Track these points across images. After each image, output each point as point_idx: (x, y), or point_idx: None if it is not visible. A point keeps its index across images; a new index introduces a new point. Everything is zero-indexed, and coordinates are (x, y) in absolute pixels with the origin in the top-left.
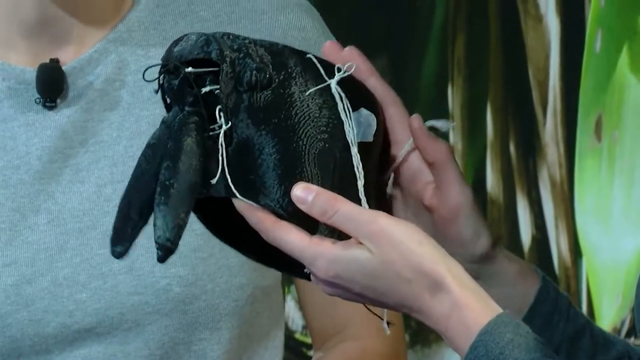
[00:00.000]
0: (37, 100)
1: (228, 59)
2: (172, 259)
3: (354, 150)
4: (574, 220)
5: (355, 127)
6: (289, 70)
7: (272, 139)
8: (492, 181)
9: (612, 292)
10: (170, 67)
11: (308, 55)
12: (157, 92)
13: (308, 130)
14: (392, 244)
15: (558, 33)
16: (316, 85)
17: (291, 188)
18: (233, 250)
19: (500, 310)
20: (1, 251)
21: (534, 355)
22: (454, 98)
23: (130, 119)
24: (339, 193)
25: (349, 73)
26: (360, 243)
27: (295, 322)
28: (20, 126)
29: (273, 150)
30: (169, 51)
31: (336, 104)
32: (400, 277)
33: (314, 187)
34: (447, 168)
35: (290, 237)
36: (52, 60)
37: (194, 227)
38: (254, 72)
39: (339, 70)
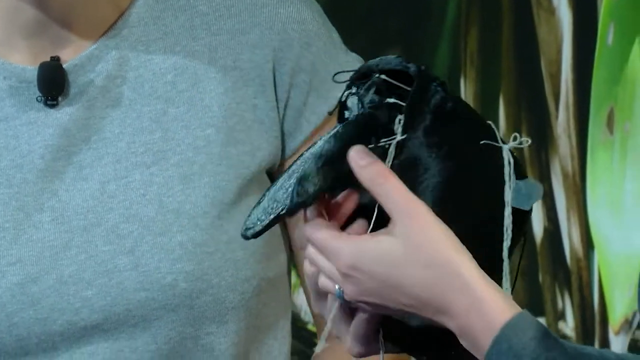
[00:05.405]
0: (39, 98)
1: (425, 77)
2: (177, 254)
3: (508, 210)
4: (586, 212)
5: (515, 192)
6: (470, 119)
7: (439, 164)
8: None
9: (623, 284)
10: (363, 69)
11: (490, 124)
12: (334, 108)
13: (469, 171)
14: (421, 227)
15: (570, 26)
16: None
17: (440, 215)
18: (239, 244)
19: (521, 309)
20: (6, 250)
21: (554, 353)
22: (466, 91)
23: (132, 115)
24: (473, 242)
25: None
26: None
27: (308, 314)
28: (22, 125)
29: (436, 172)
30: (366, 63)
31: (501, 164)
32: (421, 263)
33: (376, 157)
34: None
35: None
36: (52, 58)
37: (199, 221)
38: (444, 98)
39: (515, 138)
